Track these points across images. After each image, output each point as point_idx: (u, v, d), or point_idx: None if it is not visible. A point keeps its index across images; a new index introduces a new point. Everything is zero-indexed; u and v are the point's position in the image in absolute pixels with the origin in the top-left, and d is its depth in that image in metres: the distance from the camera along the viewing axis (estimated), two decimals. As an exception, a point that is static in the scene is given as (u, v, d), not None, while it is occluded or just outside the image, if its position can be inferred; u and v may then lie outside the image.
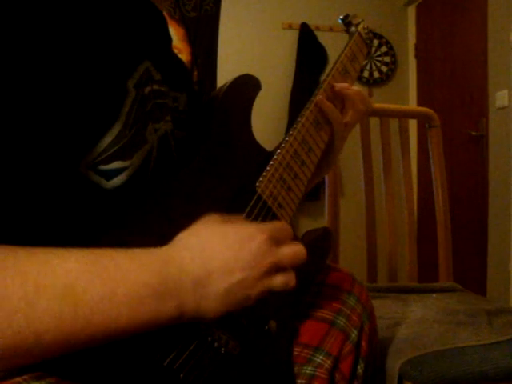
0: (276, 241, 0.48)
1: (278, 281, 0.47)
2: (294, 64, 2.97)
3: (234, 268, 0.44)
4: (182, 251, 0.44)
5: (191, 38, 2.79)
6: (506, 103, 2.23)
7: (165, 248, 0.44)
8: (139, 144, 0.48)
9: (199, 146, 0.56)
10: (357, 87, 0.71)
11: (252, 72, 0.66)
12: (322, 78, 0.71)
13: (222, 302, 0.44)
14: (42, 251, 0.38)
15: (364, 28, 0.79)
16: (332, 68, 0.72)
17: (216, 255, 0.44)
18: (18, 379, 0.36)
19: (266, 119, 2.78)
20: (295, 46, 2.99)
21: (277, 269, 0.47)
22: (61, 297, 0.37)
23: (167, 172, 0.52)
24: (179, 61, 0.65)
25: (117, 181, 0.46)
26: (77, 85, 0.42)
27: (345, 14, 0.79)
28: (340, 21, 0.79)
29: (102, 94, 0.44)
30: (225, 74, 2.81)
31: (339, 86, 0.69)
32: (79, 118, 0.42)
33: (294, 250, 0.49)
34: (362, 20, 0.79)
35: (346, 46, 0.75)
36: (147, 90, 0.50)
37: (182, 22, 2.76)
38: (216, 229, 0.47)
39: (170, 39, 0.62)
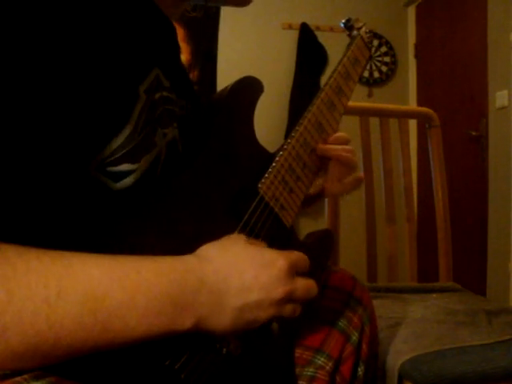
0: (295, 270, 0.49)
1: (287, 310, 0.48)
2: (293, 64, 2.97)
3: (252, 288, 0.45)
4: (204, 263, 0.45)
5: (191, 38, 2.79)
6: (505, 103, 2.23)
7: (187, 257, 0.45)
8: (148, 147, 0.49)
9: (202, 147, 0.57)
10: (341, 146, 0.68)
11: (252, 72, 0.66)
12: (324, 81, 0.71)
13: (233, 319, 0.45)
14: (64, 255, 0.39)
15: (366, 32, 0.79)
16: (334, 71, 0.71)
17: (237, 272, 0.45)
18: (17, 379, 0.36)
19: (266, 119, 2.77)
20: (295, 46, 2.99)
21: (290, 298, 0.48)
22: (81, 301, 0.37)
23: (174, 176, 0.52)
24: (185, 70, 0.66)
25: (125, 182, 0.47)
26: (90, 89, 0.42)
27: (347, 17, 0.79)
28: (342, 25, 0.79)
29: (113, 98, 0.45)
30: (224, 74, 2.81)
31: (321, 148, 0.67)
32: (91, 120, 0.43)
33: (309, 285, 0.50)
34: (364, 24, 0.79)
35: (349, 49, 0.75)
36: (157, 95, 0.51)
37: (182, 22, 2.76)
38: (241, 247, 0.48)
39: (178, 49, 0.63)
